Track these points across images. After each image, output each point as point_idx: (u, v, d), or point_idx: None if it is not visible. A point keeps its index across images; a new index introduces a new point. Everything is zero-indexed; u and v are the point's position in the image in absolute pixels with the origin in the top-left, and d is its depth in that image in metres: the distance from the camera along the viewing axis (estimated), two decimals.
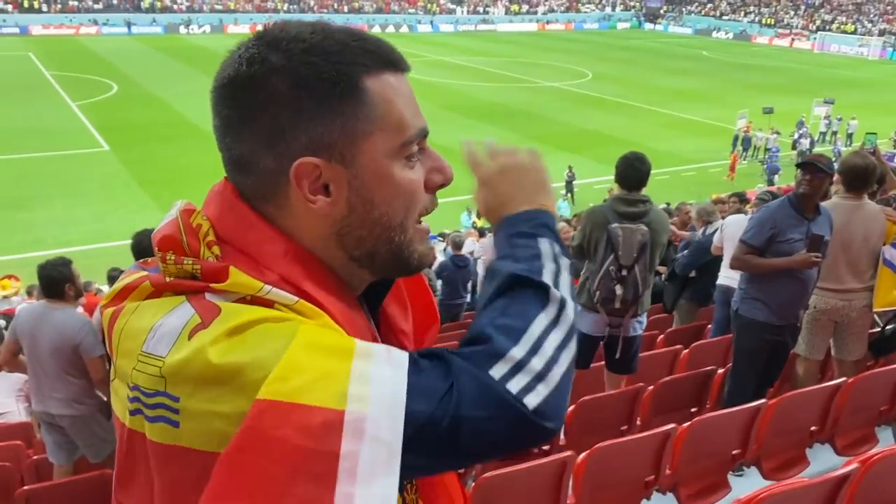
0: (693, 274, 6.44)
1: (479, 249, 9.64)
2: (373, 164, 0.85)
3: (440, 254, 10.94)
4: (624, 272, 4.41)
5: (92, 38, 52.47)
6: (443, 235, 12.53)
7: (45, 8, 56.92)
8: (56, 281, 4.55)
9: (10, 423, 5.76)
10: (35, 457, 5.02)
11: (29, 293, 11.52)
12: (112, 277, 6.64)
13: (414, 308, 1.06)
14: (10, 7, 55.78)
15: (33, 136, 25.27)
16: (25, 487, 4.09)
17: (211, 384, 0.73)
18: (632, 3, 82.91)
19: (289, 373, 0.71)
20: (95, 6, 58.86)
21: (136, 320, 0.83)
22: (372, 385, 0.73)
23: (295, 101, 0.82)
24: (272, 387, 0.70)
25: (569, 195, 20.84)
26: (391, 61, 0.87)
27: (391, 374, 0.75)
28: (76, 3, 58.38)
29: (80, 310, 5.14)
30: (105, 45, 48.32)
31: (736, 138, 26.25)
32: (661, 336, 6.06)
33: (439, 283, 9.22)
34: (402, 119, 0.86)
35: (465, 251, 11.17)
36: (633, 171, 4.50)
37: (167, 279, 0.83)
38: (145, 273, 0.88)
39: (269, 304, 0.79)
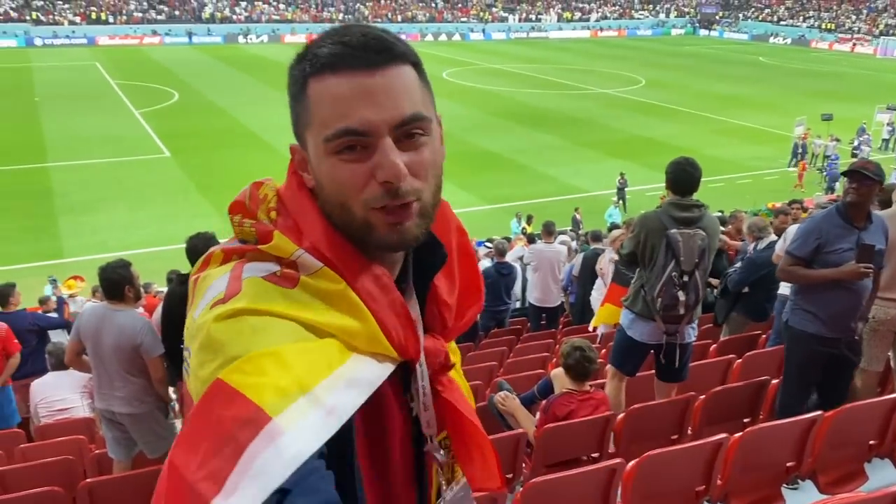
0: (746, 289, 6.33)
1: (529, 256, 9.61)
2: (313, 152, 0.98)
3: (485, 259, 10.95)
4: (686, 278, 4.38)
5: (155, 49, 54.11)
6: (491, 241, 12.54)
7: (111, 20, 58.90)
8: (115, 283, 4.70)
9: (75, 418, 5.98)
10: (97, 451, 5.21)
11: (93, 293, 11.95)
12: (171, 280, 6.85)
13: (461, 284, 1.14)
14: (78, 19, 57.93)
15: (99, 142, 26.18)
16: (88, 480, 4.24)
17: (204, 350, 0.87)
18: (686, 10, 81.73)
19: (252, 370, 0.82)
20: (158, 17, 60.67)
21: (202, 287, 0.98)
22: (304, 421, 0.81)
23: (288, 97, 1.00)
24: (234, 375, 0.82)
25: (620, 202, 20.63)
26: (331, 64, 0.94)
27: (319, 428, 0.83)
28: (140, 15, 60.28)
29: (140, 310, 5.32)
30: (167, 55, 49.78)
31: (795, 146, 25.61)
32: (714, 346, 5.97)
33: None
34: (324, 118, 0.94)
35: (513, 257, 11.19)
36: (685, 176, 4.46)
37: (234, 244, 1.01)
38: (221, 244, 1.04)
39: (294, 278, 0.93)
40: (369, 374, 0.93)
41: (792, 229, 5.87)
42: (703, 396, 4.32)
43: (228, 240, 1.07)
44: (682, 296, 4.39)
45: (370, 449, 1.00)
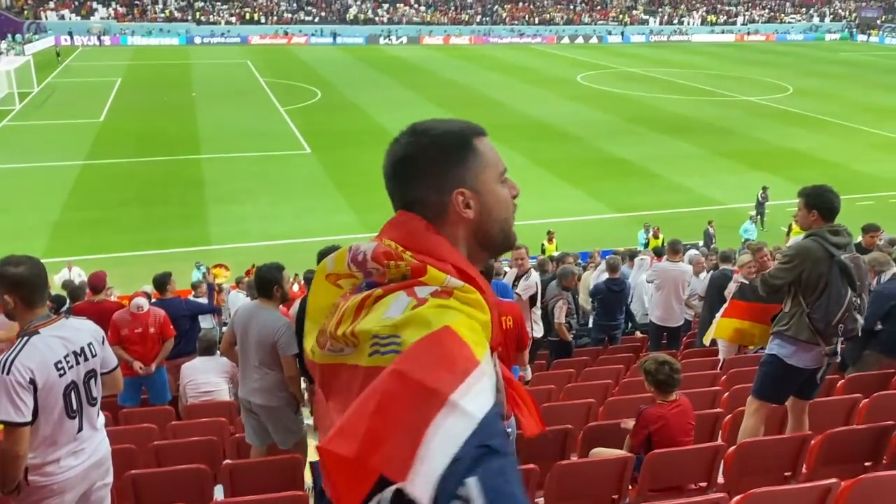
0: (879, 326, 6.04)
1: (653, 274, 9.45)
2: (488, 187, 1.42)
3: (601, 274, 10.86)
4: (859, 300, 4.51)
5: (301, 48, 56.86)
6: (616, 253, 12.45)
7: (263, 20, 62.43)
8: (267, 281, 5.23)
9: (218, 400, 6.56)
10: (236, 434, 5.72)
11: (237, 282, 12.86)
12: (308, 279, 7.37)
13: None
14: (234, 19, 61.79)
15: (247, 137, 27.94)
16: (228, 461, 4.71)
17: (417, 327, 1.19)
18: (843, 13, 76.69)
19: (468, 332, 1.20)
20: (307, 18, 63.67)
21: (380, 305, 1.29)
22: (488, 377, 1.14)
23: (443, 160, 1.41)
24: (462, 329, 1.18)
25: (759, 217, 19.71)
26: (481, 131, 1.46)
27: (488, 397, 1.12)
28: (290, 16, 63.50)
29: (283, 308, 5.79)
30: (312, 55, 52.19)
31: None
32: (841, 382, 5.76)
33: (593, 303, 9.28)
34: (495, 161, 1.44)
35: (639, 268, 11.07)
36: (835, 202, 4.55)
37: (386, 283, 1.32)
38: (365, 292, 1.33)
39: (449, 292, 1.26)
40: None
41: None
42: (819, 436, 4.24)
43: (353, 288, 1.39)
44: (860, 318, 4.52)
45: None
